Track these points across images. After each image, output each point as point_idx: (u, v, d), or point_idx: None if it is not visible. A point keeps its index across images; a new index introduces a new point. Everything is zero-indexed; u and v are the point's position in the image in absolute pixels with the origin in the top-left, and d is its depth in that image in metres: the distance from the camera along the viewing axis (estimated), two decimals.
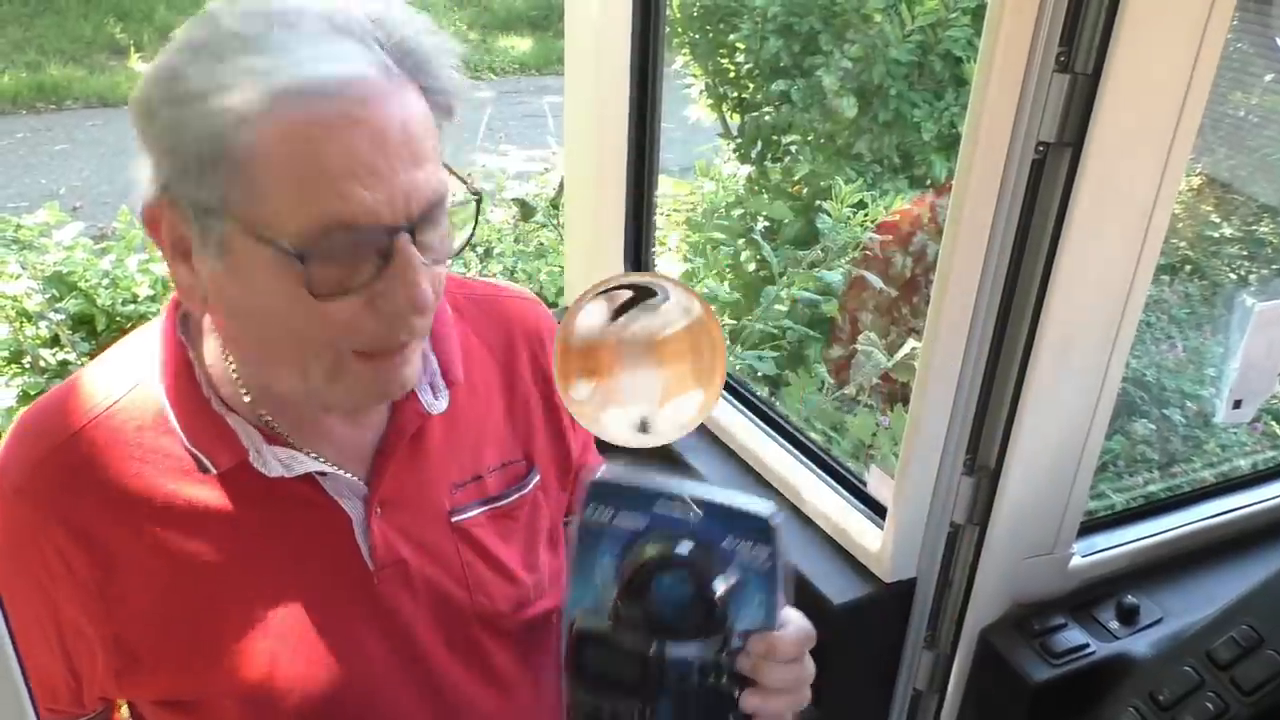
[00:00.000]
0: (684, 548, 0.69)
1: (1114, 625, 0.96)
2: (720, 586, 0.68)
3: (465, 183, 0.73)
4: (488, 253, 3.16)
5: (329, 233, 0.65)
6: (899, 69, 2.96)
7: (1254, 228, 3.37)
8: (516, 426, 0.91)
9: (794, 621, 0.71)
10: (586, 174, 1.34)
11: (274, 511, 0.78)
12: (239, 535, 0.77)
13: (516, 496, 0.90)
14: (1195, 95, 0.78)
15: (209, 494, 0.76)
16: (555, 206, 2.68)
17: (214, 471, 0.76)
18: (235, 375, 0.77)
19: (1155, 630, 0.95)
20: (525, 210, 2.57)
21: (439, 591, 0.84)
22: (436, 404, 0.82)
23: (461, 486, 0.86)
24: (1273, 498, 1.06)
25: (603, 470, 0.71)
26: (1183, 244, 3.33)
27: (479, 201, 0.74)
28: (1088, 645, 0.93)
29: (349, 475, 0.79)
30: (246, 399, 0.77)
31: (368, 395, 0.75)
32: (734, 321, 2.43)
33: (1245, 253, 3.33)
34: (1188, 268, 3.36)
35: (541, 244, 3.09)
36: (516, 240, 3.19)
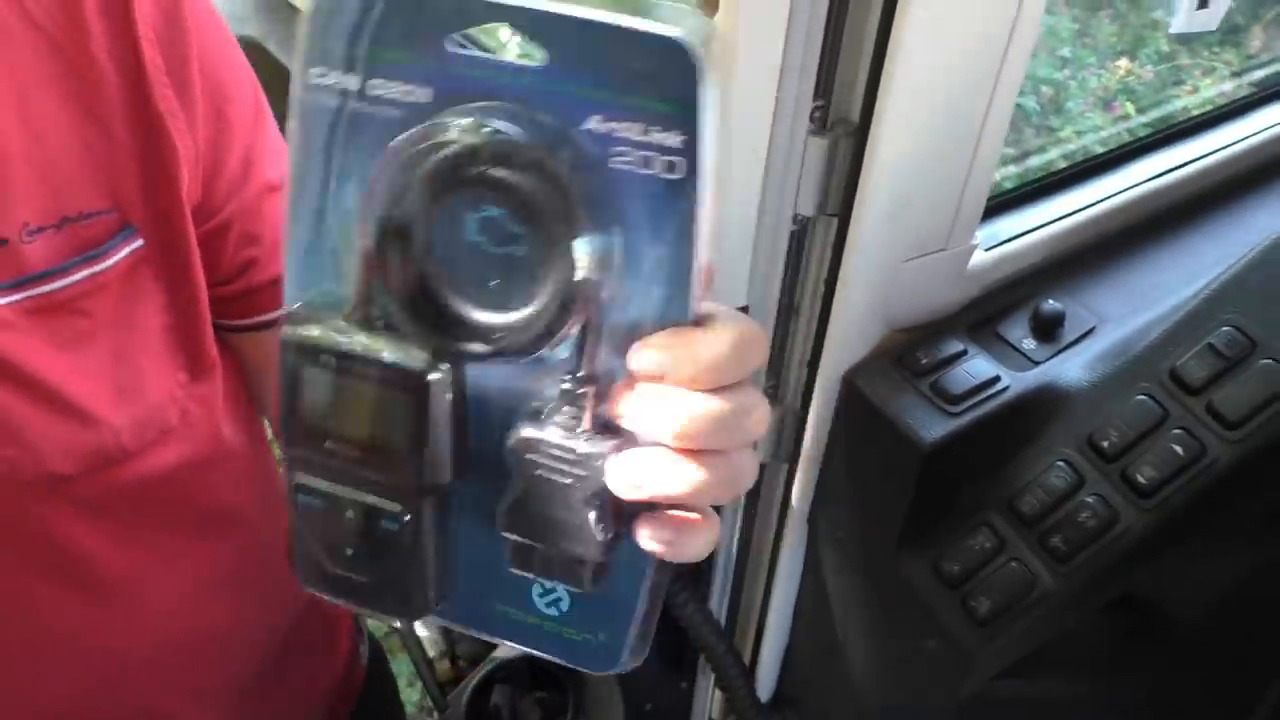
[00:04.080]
0: (506, 136, 0.32)
1: (1030, 345, 0.66)
2: (582, 226, 0.33)
3: None
4: None
5: None
6: None
7: None
8: (95, 152, 0.53)
9: (723, 313, 0.35)
10: None
11: None
12: None
13: (85, 275, 0.53)
14: None
15: None
16: None
17: None
18: None
19: (1089, 345, 0.65)
20: None
21: None
22: None
23: None
24: (1240, 139, 0.76)
25: None
26: None
27: None
28: (998, 379, 0.63)
29: None
30: None
31: None
32: None
33: None
34: None
35: None
36: None
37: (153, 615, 0.62)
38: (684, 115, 0.32)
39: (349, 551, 0.39)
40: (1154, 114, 2.44)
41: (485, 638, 0.43)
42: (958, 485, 0.63)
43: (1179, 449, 0.58)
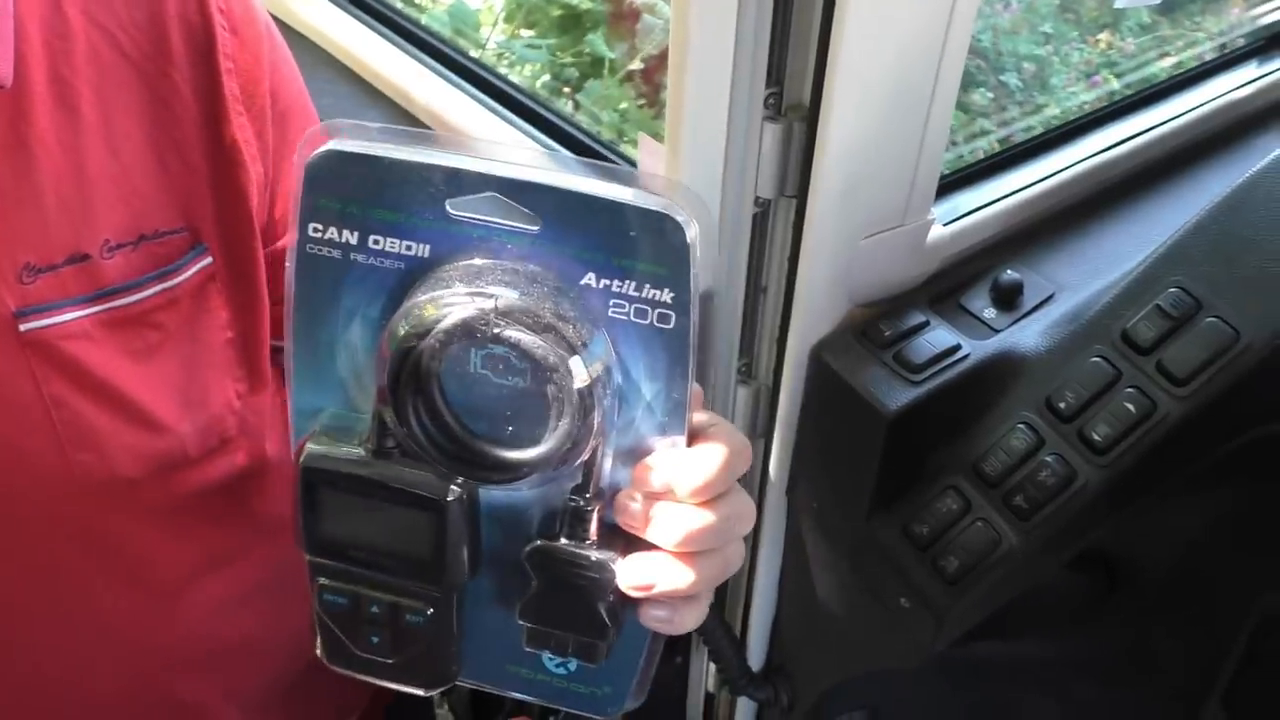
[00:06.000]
0: (509, 296, 0.36)
1: (991, 314, 0.69)
2: (580, 369, 0.35)
3: None
4: None
5: None
6: None
7: None
8: (171, 175, 0.56)
9: (713, 428, 0.40)
10: None
11: None
12: None
13: (159, 289, 0.56)
14: None
15: None
16: None
17: None
18: None
19: (1047, 312, 0.68)
20: None
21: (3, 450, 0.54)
22: None
23: (44, 272, 0.53)
24: (1191, 109, 0.79)
25: (332, 141, 0.35)
26: None
27: None
28: (959, 347, 0.66)
29: None
30: None
31: None
32: None
33: None
34: None
35: None
36: None
37: (201, 614, 0.65)
38: (674, 274, 0.36)
39: (374, 639, 0.42)
40: (1136, 85, 2.45)
41: (499, 693, 0.47)
42: (924, 451, 0.66)
43: (1131, 407, 0.61)
